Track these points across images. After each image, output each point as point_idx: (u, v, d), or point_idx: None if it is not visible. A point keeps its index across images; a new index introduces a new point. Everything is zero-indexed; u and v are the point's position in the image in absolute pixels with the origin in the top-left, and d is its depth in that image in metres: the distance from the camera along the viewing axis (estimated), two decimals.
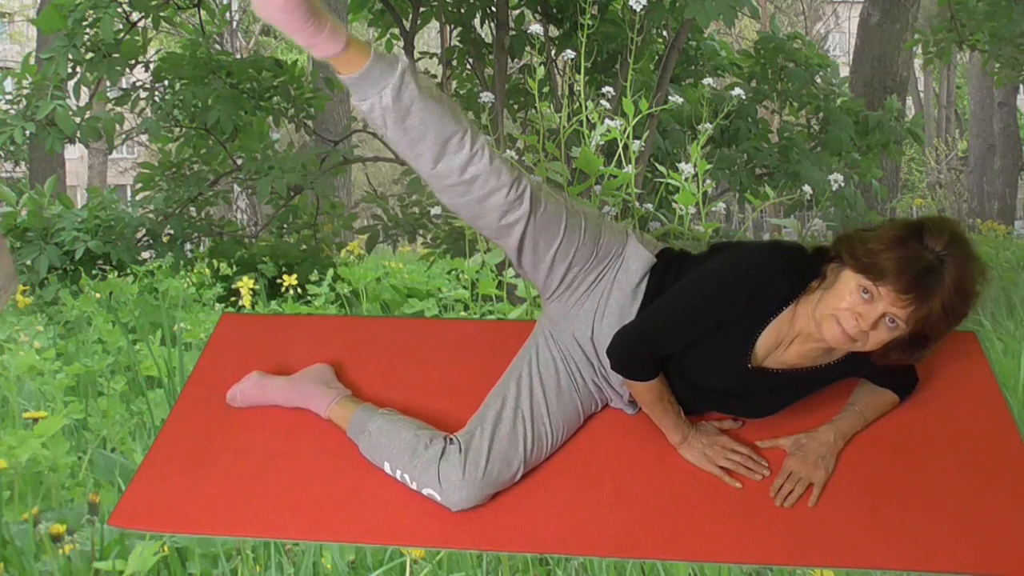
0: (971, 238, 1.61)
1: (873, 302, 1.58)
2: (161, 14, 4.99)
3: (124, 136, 5.67)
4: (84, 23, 4.76)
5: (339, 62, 1.58)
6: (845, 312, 1.60)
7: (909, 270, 1.55)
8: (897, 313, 1.57)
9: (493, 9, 5.34)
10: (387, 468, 1.79)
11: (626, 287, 1.81)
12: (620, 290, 1.81)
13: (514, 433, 1.77)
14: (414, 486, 1.76)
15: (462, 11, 5.48)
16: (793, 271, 1.70)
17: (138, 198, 5.45)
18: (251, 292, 3.97)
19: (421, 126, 1.61)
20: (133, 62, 5.01)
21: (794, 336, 1.73)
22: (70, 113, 4.78)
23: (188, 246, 5.45)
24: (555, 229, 1.75)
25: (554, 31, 5.51)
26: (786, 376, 1.78)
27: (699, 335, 1.73)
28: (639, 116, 2.36)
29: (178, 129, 5.51)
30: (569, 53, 2.59)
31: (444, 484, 1.72)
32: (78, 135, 4.82)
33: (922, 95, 22.22)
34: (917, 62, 13.02)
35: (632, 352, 1.74)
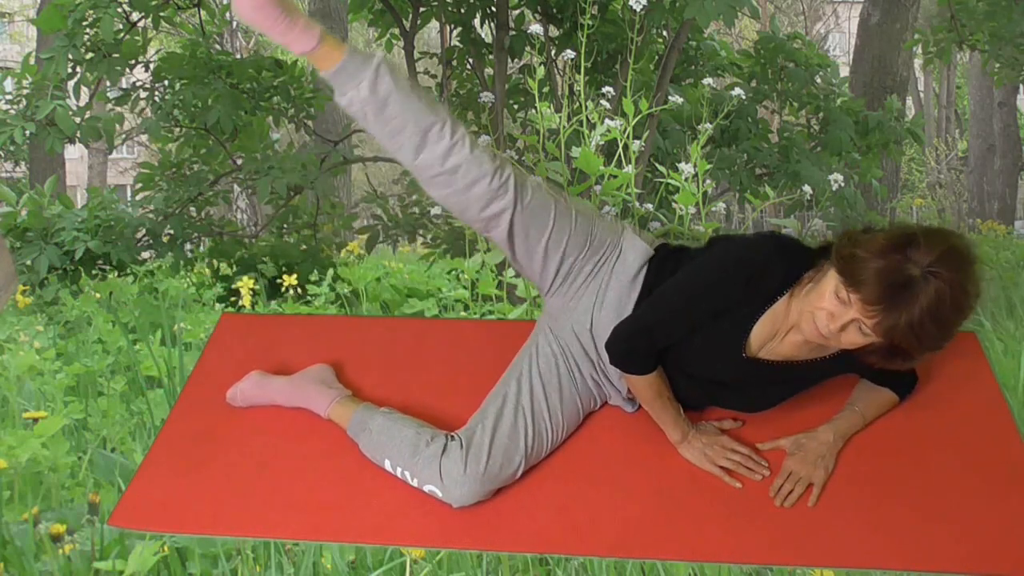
0: (974, 258, 1.56)
1: (845, 306, 1.58)
2: (161, 14, 4.98)
3: (124, 136, 5.67)
4: (84, 23, 4.76)
5: (316, 58, 1.68)
6: (821, 312, 1.61)
7: (881, 282, 1.53)
8: (865, 321, 1.57)
9: (493, 9, 5.34)
10: (387, 466, 1.79)
11: (623, 278, 1.82)
12: (618, 280, 1.82)
13: (515, 429, 1.77)
14: (415, 483, 1.76)
15: (462, 11, 5.48)
16: (786, 260, 1.70)
17: (138, 198, 5.45)
18: (251, 292, 3.97)
19: (400, 117, 1.67)
20: (133, 62, 5.01)
21: (789, 327, 1.73)
22: (70, 113, 4.78)
23: (188, 246, 5.45)
24: (544, 218, 1.77)
25: (554, 31, 5.51)
26: (781, 368, 1.79)
27: (696, 325, 1.74)
28: (639, 116, 2.36)
29: (178, 129, 5.50)
30: (569, 53, 2.59)
31: (446, 480, 1.72)
32: (78, 135, 4.82)
33: (922, 95, 22.22)
34: (917, 62, 13.02)
35: (630, 345, 1.75)
